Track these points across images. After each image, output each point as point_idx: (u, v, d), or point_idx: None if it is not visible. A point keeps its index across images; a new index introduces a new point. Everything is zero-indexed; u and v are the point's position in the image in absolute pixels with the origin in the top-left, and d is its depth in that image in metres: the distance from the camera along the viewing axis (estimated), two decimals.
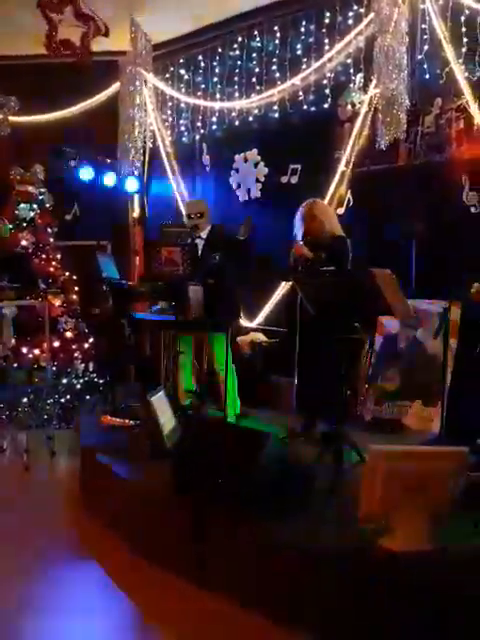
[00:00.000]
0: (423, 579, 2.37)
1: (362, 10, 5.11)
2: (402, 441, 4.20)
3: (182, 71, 6.70)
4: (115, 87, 7.10)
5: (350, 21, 5.23)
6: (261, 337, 5.55)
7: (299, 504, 2.89)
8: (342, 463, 3.35)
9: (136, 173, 7.02)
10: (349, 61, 5.26)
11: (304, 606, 2.59)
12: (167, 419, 3.84)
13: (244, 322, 5.80)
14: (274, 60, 5.84)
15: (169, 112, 6.90)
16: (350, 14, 5.22)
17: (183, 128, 6.77)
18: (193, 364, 5.18)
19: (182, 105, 6.74)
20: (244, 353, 5.41)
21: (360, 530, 2.64)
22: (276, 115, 5.84)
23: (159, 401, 3.83)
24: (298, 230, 4.43)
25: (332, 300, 3.45)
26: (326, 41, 5.41)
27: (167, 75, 6.86)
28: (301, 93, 5.59)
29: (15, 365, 5.73)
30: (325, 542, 2.66)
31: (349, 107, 5.32)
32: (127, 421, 4.64)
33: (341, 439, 3.44)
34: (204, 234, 5.00)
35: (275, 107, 5.83)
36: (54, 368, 5.79)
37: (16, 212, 6.36)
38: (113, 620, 2.77)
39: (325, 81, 5.41)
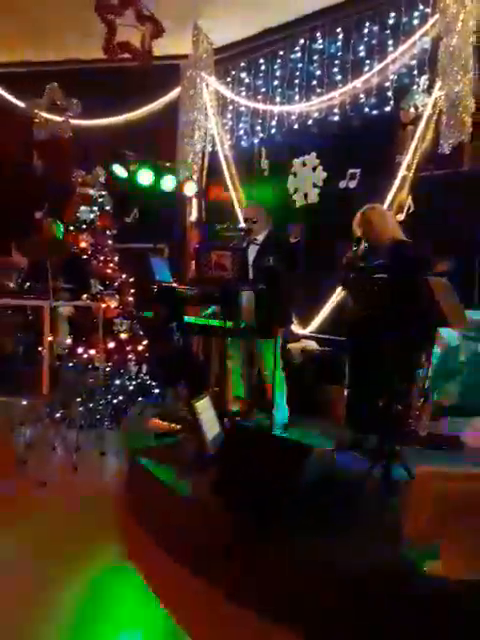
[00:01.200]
0: (469, 609, 2.22)
1: (428, 10, 4.96)
2: (460, 459, 4.01)
3: (243, 74, 6.67)
4: (176, 91, 7.14)
5: (415, 21, 5.09)
6: (313, 345, 5.42)
7: (340, 521, 2.76)
8: (390, 481, 3.20)
9: (195, 177, 7.03)
10: (413, 63, 5.11)
11: (335, 628, 2.46)
12: (211, 425, 3.77)
13: (296, 329, 5.68)
14: (336, 62, 5.75)
15: (229, 116, 6.88)
16: (415, 14, 5.09)
17: (242, 132, 6.74)
18: (243, 370, 5.10)
19: (242, 109, 6.70)
20: (295, 361, 5.29)
21: (403, 553, 2.50)
22: (336, 118, 5.73)
23: (204, 407, 3.77)
24: (355, 235, 4.29)
25: (384, 308, 3.32)
26: (390, 42, 5.27)
27: (228, 79, 6.84)
28: (362, 96, 5.47)
29: (70, 365, 5.80)
30: (364, 563, 2.52)
31: (412, 110, 5.15)
32: (174, 425, 4.60)
33: (391, 456, 3.29)
34: (260, 238, 4.92)
35: (335, 110, 5.72)
36: (108, 369, 5.84)
37: (77, 214, 6.46)
38: (149, 631, 2.72)
39: (388, 83, 5.28)
